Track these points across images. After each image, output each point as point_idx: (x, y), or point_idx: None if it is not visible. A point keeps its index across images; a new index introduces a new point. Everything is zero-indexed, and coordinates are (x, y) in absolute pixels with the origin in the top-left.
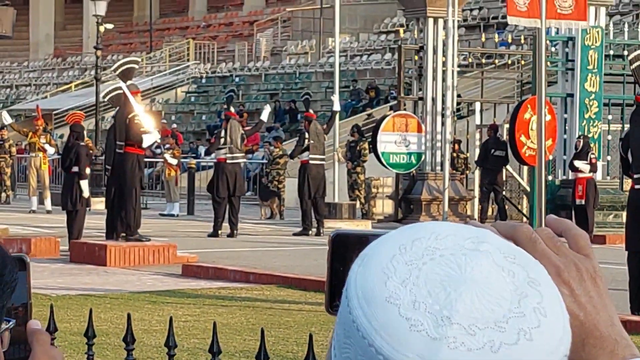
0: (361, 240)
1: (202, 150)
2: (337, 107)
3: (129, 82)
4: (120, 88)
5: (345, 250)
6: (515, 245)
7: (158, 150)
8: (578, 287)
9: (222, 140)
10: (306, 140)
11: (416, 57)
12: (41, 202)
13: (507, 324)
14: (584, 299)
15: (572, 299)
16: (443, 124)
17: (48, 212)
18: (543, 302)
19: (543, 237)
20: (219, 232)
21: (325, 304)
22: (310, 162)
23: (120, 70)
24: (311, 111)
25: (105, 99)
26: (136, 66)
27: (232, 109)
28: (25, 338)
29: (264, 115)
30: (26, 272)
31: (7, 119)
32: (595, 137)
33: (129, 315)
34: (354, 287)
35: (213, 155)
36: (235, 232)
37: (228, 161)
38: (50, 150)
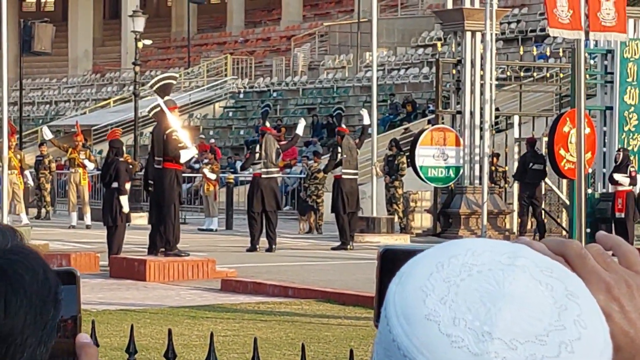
0: (409, 256)
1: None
2: (366, 121)
3: (166, 98)
4: (159, 105)
5: (393, 265)
6: (565, 261)
7: (196, 165)
8: (628, 304)
9: (257, 155)
10: (339, 155)
11: (454, 71)
12: (81, 217)
13: (548, 337)
14: (634, 316)
15: (622, 316)
16: (481, 137)
17: (87, 227)
18: (582, 314)
19: (593, 253)
20: (257, 246)
21: (374, 319)
22: (344, 176)
23: (157, 85)
24: (344, 126)
25: (150, 114)
26: (174, 82)
27: (267, 124)
28: (74, 351)
29: (300, 129)
30: (76, 285)
31: (48, 135)
32: (635, 149)
33: (169, 331)
34: (392, 306)
35: (250, 169)
36: (273, 246)
37: (263, 176)
38: (90, 166)
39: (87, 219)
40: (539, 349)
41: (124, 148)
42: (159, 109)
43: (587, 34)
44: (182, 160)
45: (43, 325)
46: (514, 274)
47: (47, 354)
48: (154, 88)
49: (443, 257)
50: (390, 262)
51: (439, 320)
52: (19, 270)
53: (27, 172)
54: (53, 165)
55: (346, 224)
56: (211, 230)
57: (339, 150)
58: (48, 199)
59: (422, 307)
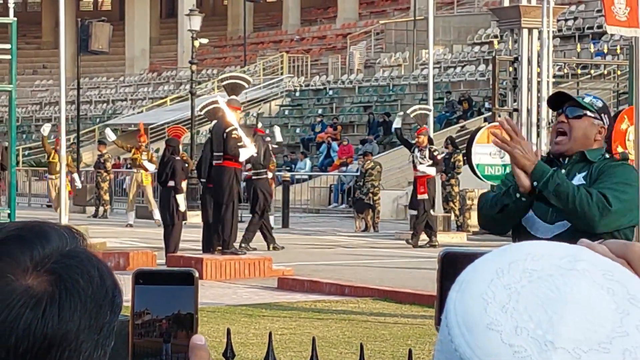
0: (469, 259)
1: (299, 164)
2: (278, 138)
3: (232, 97)
4: (216, 102)
5: (454, 268)
6: (627, 263)
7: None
8: None
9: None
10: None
11: (511, 68)
12: (149, 217)
13: (611, 344)
14: None
15: None
16: (538, 135)
17: (159, 225)
18: None
19: None
20: (271, 245)
21: (435, 321)
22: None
23: (227, 82)
24: (426, 126)
25: (202, 112)
26: (246, 84)
27: (259, 125)
28: (186, 350)
29: (277, 137)
30: (194, 286)
31: (111, 136)
32: None
33: (228, 330)
34: (453, 314)
35: (308, 168)
36: (243, 245)
37: (253, 177)
38: (151, 167)
39: (156, 214)
40: (602, 357)
41: (180, 147)
42: (211, 107)
43: None
44: (242, 158)
45: (99, 329)
46: (574, 279)
47: (106, 357)
48: (224, 83)
49: (503, 263)
50: (451, 265)
51: (501, 330)
52: (74, 274)
53: (74, 175)
54: (109, 164)
55: (433, 221)
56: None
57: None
58: (106, 197)
59: (484, 315)
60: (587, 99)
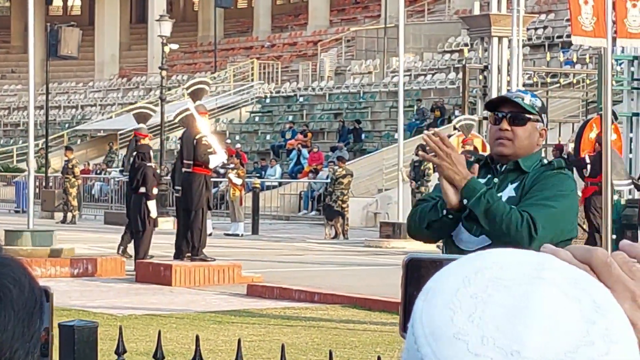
0: (435, 265)
1: (269, 171)
2: (212, 164)
3: (197, 103)
4: (188, 109)
5: (419, 274)
6: (591, 269)
7: (222, 170)
8: None
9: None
10: None
11: (481, 77)
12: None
13: (577, 353)
14: None
15: None
16: None
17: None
18: (611, 327)
19: (618, 261)
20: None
21: (399, 328)
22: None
23: (191, 89)
24: (472, 135)
25: (176, 120)
26: (207, 87)
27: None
28: None
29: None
30: (49, 302)
31: None
32: None
33: (197, 337)
34: (420, 323)
35: (278, 175)
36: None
37: None
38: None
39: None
40: None
41: (151, 153)
42: (185, 114)
43: (614, 40)
44: (211, 165)
45: (30, 336)
46: (541, 287)
47: None
48: (188, 91)
49: (469, 272)
50: (416, 271)
51: (467, 340)
52: (6, 283)
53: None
54: (77, 169)
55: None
56: (237, 235)
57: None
58: (74, 203)
59: (450, 325)
60: (526, 99)
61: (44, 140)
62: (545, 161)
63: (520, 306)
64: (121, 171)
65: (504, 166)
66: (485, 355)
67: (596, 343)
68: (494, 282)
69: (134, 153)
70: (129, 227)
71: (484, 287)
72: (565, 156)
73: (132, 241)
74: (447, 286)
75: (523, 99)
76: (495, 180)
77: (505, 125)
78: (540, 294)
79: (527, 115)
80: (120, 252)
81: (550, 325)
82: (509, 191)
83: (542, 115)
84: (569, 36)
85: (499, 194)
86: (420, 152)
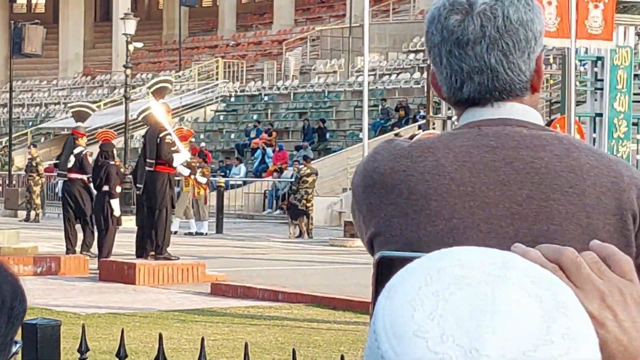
0: (406, 262)
1: (234, 169)
2: (185, 172)
3: (161, 101)
4: (152, 107)
5: (390, 272)
6: (560, 268)
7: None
8: (622, 312)
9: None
10: None
11: None
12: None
13: (536, 352)
14: (627, 324)
15: (615, 324)
16: None
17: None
18: (572, 327)
19: (587, 261)
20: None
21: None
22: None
23: (154, 88)
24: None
25: (139, 118)
26: (169, 85)
27: None
28: None
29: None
30: None
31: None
32: (624, 156)
33: (160, 335)
34: (381, 320)
35: (243, 174)
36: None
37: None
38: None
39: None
40: None
41: (114, 151)
42: (148, 112)
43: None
44: (175, 163)
45: None
46: (504, 286)
47: None
48: (151, 90)
49: (432, 269)
50: (387, 269)
51: (427, 337)
52: None
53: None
54: (41, 167)
55: None
56: (201, 234)
57: None
58: (37, 201)
59: (411, 322)
60: None
61: (7, 138)
62: None
63: (481, 304)
64: (58, 171)
65: None
66: (445, 352)
67: (556, 342)
68: (457, 280)
69: (98, 151)
70: (84, 224)
71: (446, 285)
72: None
73: (96, 239)
74: (409, 283)
75: None
76: None
77: None
78: (502, 292)
79: None
80: (83, 250)
81: (511, 324)
82: None
83: None
84: None
85: None
86: None
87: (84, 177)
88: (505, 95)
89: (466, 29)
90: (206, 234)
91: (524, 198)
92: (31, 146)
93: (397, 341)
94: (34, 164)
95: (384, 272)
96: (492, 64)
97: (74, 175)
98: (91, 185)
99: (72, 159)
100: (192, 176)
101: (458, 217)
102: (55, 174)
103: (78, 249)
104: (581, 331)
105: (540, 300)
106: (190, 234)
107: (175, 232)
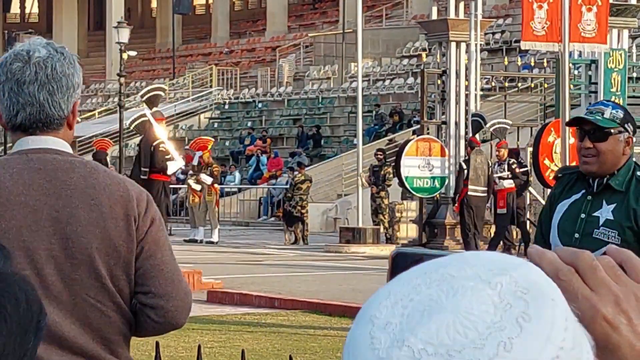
0: (420, 259)
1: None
2: (171, 170)
3: (154, 109)
4: (145, 115)
5: (405, 269)
6: (576, 271)
7: (182, 177)
8: (637, 317)
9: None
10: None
11: (439, 81)
12: None
13: (487, 340)
14: None
15: (629, 329)
16: (466, 147)
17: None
18: (529, 308)
19: (603, 265)
20: None
21: None
22: (469, 192)
23: (147, 96)
24: (477, 137)
25: (131, 127)
26: (162, 93)
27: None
28: None
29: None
30: None
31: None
32: None
33: (157, 344)
34: (345, 346)
35: (237, 181)
36: None
37: None
38: (208, 180)
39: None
40: (474, 355)
41: (109, 159)
42: (139, 121)
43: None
44: (170, 171)
45: (23, 353)
46: (460, 282)
47: None
48: (143, 99)
49: (394, 286)
50: (402, 266)
51: (376, 322)
52: (1, 299)
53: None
54: None
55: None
56: (196, 241)
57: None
58: None
59: (372, 308)
60: (606, 113)
61: (3, 147)
62: (639, 173)
63: (435, 301)
64: None
65: (595, 183)
66: (379, 337)
67: (508, 327)
68: (416, 287)
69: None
70: None
71: (406, 294)
72: (522, 160)
73: None
74: (372, 300)
75: (603, 114)
76: (589, 197)
77: (587, 143)
78: (462, 290)
79: (608, 130)
80: None
81: (461, 318)
82: (607, 213)
83: (626, 124)
84: None
85: (594, 214)
86: None
87: None
88: (47, 127)
89: (24, 72)
90: (201, 241)
91: (60, 207)
92: None
93: (356, 323)
94: None
95: (398, 267)
96: (40, 100)
97: None
98: None
99: None
100: (216, 184)
101: (15, 220)
102: None
103: None
104: (541, 308)
105: (500, 287)
106: (195, 240)
107: (201, 241)
